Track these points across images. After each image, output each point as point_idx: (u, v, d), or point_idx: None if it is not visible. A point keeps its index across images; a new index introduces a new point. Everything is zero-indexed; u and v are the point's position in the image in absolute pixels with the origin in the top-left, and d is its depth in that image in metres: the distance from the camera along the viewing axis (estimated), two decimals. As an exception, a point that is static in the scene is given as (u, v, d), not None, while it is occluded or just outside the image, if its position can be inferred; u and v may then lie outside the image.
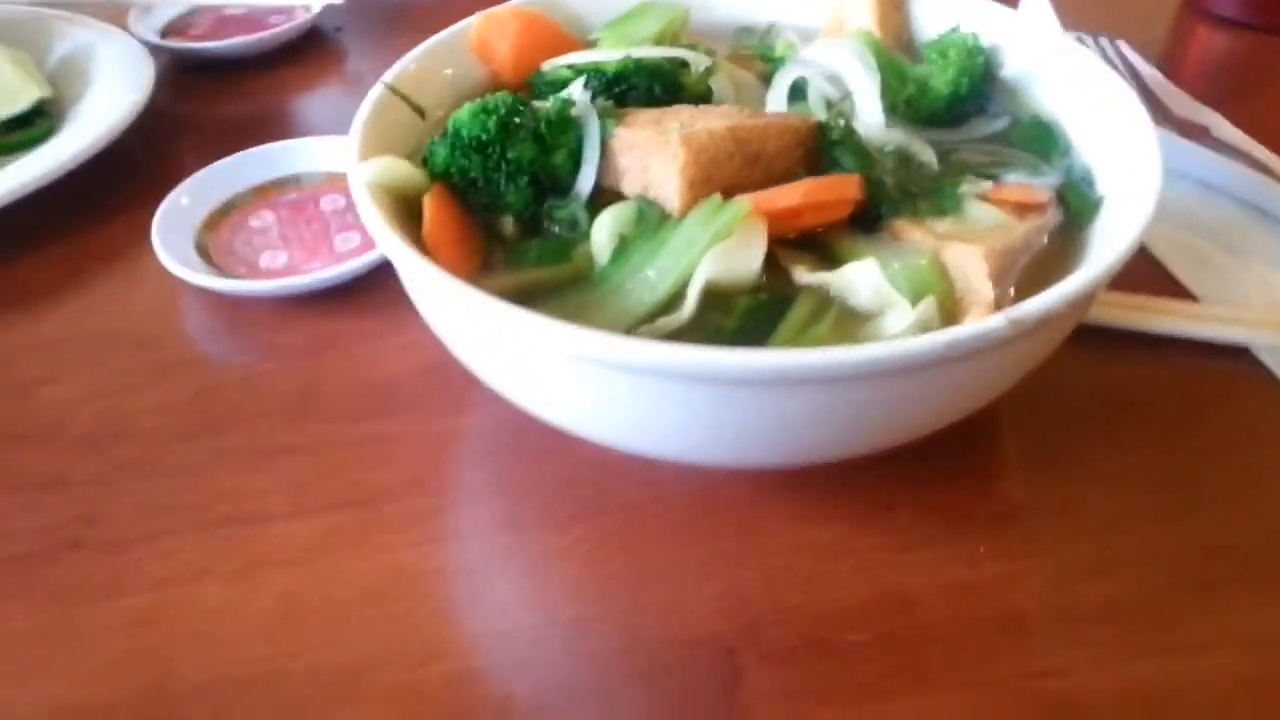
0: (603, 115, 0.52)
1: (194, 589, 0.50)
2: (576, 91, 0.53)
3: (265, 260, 0.68)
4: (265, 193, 0.74)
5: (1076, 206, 0.52)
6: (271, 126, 0.87)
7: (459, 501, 0.53)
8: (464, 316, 0.44)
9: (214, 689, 0.45)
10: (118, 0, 0.98)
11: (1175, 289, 0.65)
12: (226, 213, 0.72)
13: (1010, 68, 0.62)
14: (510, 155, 0.50)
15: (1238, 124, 0.81)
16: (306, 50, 0.99)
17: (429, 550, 0.51)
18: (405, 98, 0.57)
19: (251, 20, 1.00)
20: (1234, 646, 0.46)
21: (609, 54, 0.58)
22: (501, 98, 0.51)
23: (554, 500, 0.53)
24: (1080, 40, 0.88)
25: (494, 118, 0.50)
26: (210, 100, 0.92)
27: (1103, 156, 0.54)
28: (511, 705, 0.45)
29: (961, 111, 0.59)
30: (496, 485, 0.54)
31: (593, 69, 0.57)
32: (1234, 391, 0.58)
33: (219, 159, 0.75)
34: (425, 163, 0.52)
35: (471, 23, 0.62)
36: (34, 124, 0.81)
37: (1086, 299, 0.42)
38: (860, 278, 0.45)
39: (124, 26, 0.94)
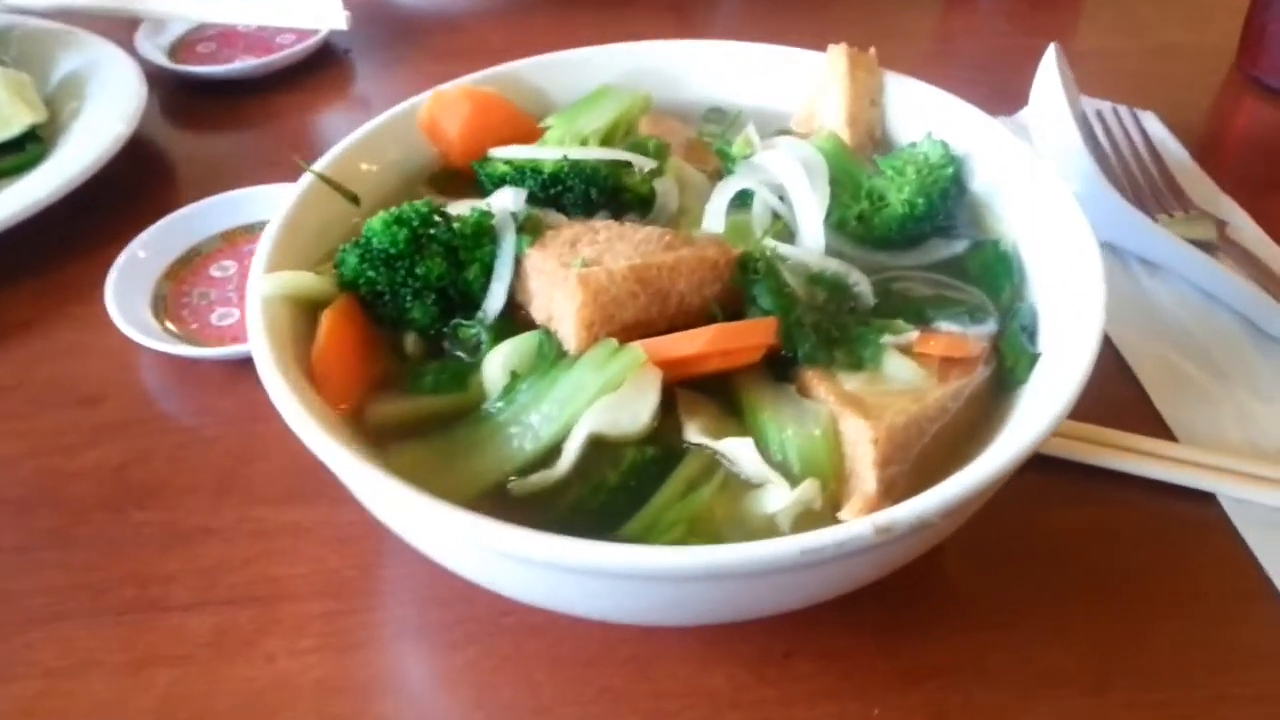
0: (521, 230, 0.50)
1: (81, 682, 0.50)
2: (497, 202, 0.51)
3: (216, 318, 0.68)
4: (232, 239, 0.74)
5: (1010, 363, 0.49)
6: (267, 158, 0.87)
7: (356, 607, 0.53)
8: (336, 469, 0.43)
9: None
10: (130, 10, 0.98)
11: (1154, 423, 0.61)
12: (189, 261, 0.72)
13: (981, 180, 0.59)
14: (418, 270, 0.49)
15: (1270, 218, 0.75)
16: (315, 72, 0.98)
17: (314, 660, 0.50)
18: (337, 185, 0.56)
19: (261, 39, 0.99)
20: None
21: (548, 152, 0.55)
22: (416, 207, 0.50)
23: (450, 615, 0.52)
24: (1099, 112, 0.83)
25: (405, 230, 0.49)
26: (210, 125, 0.92)
27: (1051, 303, 0.51)
28: None
29: (918, 232, 0.56)
30: (397, 589, 0.53)
31: (531, 165, 0.55)
32: (1195, 545, 0.55)
33: (202, 197, 0.75)
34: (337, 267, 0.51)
35: (422, 100, 0.61)
36: (25, 149, 0.81)
37: (967, 506, 0.40)
38: (741, 454, 0.43)
39: (133, 42, 0.94)
